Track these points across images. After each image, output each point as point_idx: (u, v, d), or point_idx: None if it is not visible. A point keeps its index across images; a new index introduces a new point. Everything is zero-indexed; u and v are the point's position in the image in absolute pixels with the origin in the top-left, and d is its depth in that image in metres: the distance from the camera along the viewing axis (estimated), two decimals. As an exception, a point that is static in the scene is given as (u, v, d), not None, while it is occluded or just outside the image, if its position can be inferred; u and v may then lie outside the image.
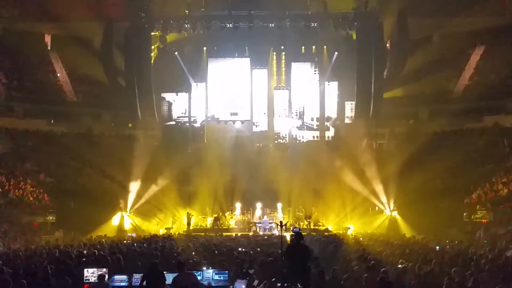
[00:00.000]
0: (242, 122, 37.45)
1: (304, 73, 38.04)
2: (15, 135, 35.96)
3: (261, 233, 29.72)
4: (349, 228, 30.77)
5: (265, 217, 32.63)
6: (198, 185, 34.96)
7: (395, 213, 31.08)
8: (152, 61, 36.21)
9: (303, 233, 13.17)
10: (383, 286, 10.53)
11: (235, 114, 37.39)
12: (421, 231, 26.01)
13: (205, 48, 37.66)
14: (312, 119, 37.82)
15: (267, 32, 36.04)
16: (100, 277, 12.60)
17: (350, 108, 37.19)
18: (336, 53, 36.66)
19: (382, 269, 12.33)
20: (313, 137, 37.99)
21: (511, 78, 35.12)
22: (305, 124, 37.81)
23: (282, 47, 37.66)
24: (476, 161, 32.62)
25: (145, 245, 20.09)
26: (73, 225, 28.99)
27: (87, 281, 13.08)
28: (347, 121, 37.64)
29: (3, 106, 37.35)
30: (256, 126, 37.63)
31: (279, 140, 37.64)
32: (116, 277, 13.18)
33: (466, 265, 13.26)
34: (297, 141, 37.38)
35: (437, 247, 18.47)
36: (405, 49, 35.50)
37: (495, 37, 36.71)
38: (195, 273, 12.81)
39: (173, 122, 38.14)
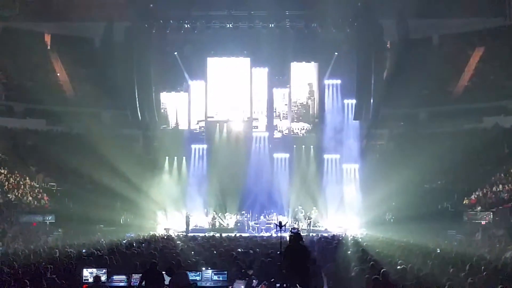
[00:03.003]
0: (242, 122, 37.44)
1: (303, 73, 37.98)
2: (14, 135, 35.95)
3: (257, 234, 29.60)
4: (348, 228, 30.75)
5: (262, 217, 32.58)
6: (198, 185, 35.08)
7: (394, 214, 31.04)
8: (151, 61, 36.12)
9: (302, 234, 13.17)
10: (382, 287, 10.51)
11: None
12: (421, 232, 25.97)
13: (204, 48, 37.58)
14: (315, 120, 37.76)
15: (267, 32, 36.00)
16: (96, 278, 12.57)
17: (349, 106, 37.01)
18: (336, 53, 36.58)
19: (381, 270, 12.31)
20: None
21: (511, 79, 35.09)
22: (309, 123, 37.78)
23: (282, 46, 37.54)
24: (476, 162, 32.62)
25: (144, 245, 20.08)
26: (72, 225, 28.96)
27: (86, 281, 13.07)
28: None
29: (3, 105, 37.36)
30: (256, 126, 37.57)
31: (278, 139, 37.55)
32: (115, 277, 13.21)
33: (465, 266, 13.24)
34: (297, 139, 37.28)
35: (438, 250, 18.40)
36: (404, 50, 35.44)
37: (495, 38, 36.69)
38: (194, 274, 12.85)
39: (173, 124, 38.04)
